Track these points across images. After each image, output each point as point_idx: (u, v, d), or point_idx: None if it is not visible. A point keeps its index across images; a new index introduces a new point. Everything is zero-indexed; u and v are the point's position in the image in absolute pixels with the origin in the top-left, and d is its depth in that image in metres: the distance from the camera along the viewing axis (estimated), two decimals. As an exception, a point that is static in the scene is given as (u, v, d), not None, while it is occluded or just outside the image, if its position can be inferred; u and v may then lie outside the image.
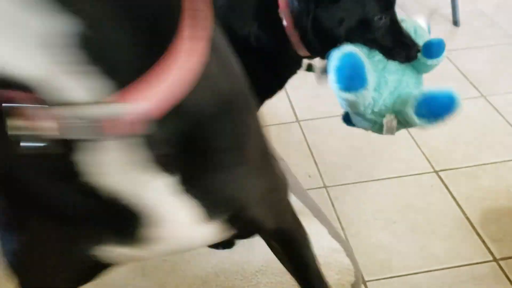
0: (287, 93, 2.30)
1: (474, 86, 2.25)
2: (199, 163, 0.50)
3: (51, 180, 0.48)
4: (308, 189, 1.77)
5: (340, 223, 1.66)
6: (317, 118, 2.14)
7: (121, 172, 0.46)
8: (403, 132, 1.10)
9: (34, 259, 0.56)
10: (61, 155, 0.43)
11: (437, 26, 2.73)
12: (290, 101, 2.25)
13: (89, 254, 0.54)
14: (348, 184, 1.81)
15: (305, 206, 1.46)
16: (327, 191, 1.78)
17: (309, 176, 1.84)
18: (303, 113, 2.17)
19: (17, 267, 0.57)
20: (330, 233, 1.35)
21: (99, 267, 0.58)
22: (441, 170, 1.83)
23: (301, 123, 2.12)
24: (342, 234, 1.61)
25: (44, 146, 0.41)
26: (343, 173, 1.85)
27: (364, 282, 1.47)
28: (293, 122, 2.12)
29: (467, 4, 2.88)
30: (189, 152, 0.49)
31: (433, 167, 1.84)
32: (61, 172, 0.47)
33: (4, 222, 0.54)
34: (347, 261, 1.26)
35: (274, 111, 2.18)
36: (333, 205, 1.72)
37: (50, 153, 0.41)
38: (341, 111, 2.10)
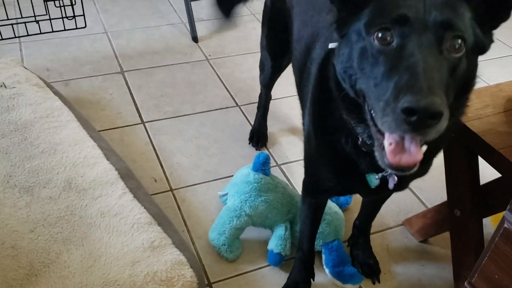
0: (131, 93, 2.23)
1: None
2: None
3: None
4: (154, 194, 1.75)
5: (186, 226, 1.66)
6: (164, 119, 2.11)
7: None
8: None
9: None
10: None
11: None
12: (134, 102, 2.19)
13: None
14: (195, 184, 1.81)
15: (149, 214, 1.43)
16: (174, 194, 1.76)
17: (155, 180, 1.81)
18: (148, 114, 2.12)
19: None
20: (174, 243, 1.34)
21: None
22: (282, 168, 1.92)
23: (147, 124, 2.07)
24: (188, 238, 1.62)
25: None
26: (190, 173, 1.86)
27: (210, 284, 1.49)
28: (137, 124, 2.07)
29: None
30: None
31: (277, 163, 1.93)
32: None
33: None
34: (190, 273, 1.27)
35: (117, 114, 2.11)
36: (179, 208, 1.71)
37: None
38: (188, 110, 2.14)
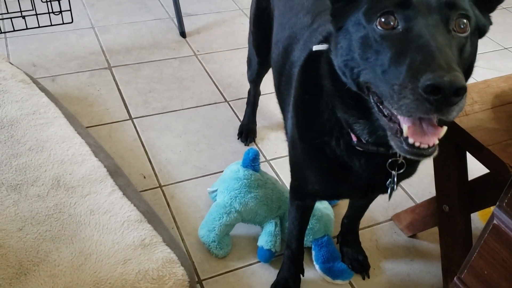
0: (118, 89, 2.22)
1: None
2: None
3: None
4: (142, 191, 1.74)
5: (175, 222, 1.65)
6: (152, 115, 2.10)
7: None
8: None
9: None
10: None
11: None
12: (122, 98, 2.17)
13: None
14: (184, 181, 1.81)
15: (139, 212, 1.43)
16: (163, 191, 1.76)
17: (144, 177, 1.80)
18: (137, 110, 2.11)
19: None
20: (165, 241, 1.34)
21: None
22: (271, 164, 1.92)
23: (135, 120, 2.06)
24: (178, 235, 1.61)
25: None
26: (179, 170, 1.85)
27: (200, 282, 1.49)
28: (126, 120, 2.05)
29: None
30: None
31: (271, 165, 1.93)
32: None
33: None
34: (181, 271, 1.27)
35: (105, 110, 2.09)
36: (168, 205, 1.71)
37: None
38: (176, 106, 2.13)
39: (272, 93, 2.23)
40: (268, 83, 2.01)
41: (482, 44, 2.93)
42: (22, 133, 1.62)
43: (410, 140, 0.81)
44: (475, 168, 1.40)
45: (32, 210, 1.40)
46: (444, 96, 0.71)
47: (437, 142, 0.82)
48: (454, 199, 1.42)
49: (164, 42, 2.58)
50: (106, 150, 1.80)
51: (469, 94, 1.41)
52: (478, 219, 1.70)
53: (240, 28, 2.76)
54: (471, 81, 2.63)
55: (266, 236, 1.55)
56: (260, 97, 2.04)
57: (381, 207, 1.79)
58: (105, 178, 1.53)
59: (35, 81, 1.90)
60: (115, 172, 1.59)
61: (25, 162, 1.53)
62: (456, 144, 1.35)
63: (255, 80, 1.92)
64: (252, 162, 1.60)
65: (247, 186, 1.57)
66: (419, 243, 1.68)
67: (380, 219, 1.75)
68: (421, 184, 1.89)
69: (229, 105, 2.20)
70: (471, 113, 1.33)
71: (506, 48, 2.81)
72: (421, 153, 0.81)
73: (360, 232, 1.66)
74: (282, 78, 1.30)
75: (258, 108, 2.05)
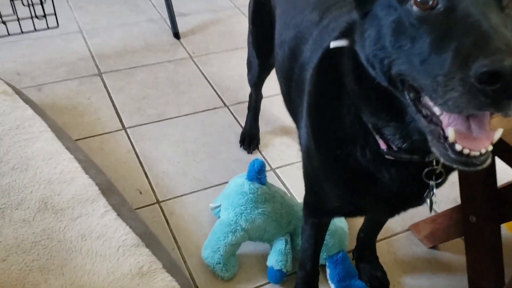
0: (110, 97, 2.08)
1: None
2: None
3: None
4: (139, 208, 1.61)
5: (176, 242, 1.52)
6: (147, 123, 1.96)
7: None
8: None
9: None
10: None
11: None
12: (114, 106, 2.03)
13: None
14: (184, 195, 1.67)
15: (135, 234, 1.29)
16: (161, 207, 1.62)
17: (140, 192, 1.66)
18: (130, 119, 1.97)
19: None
20: (165, 267, 1.20)
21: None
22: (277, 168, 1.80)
23: (129, 130, 1.92)
24: (179, 257, 1.48)
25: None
26: (178, 183, 1.71)
27: (205, 309, 1.36)
28: (118, 130, 1.91)
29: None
30: None
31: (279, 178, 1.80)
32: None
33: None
34: (183, 303, 1.14)
35: (96, 120, 1.95)
36: (168, 223, 1.57)
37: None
38: (172, 112, 2.00)
39: (274, 96, 2.11)
40: (269, 84, 1.88)
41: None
42: (4, 151, 1.48)
43: (458, 147, 0.67)
44: (505, 174, 1.27)
45: (17, 237, 1.26)
46: (505, 85, 0.57)
47: (490, 148, 0.68)
48: (482, 209, 1.29)
49: (158, 45, 2.44)
50: (98, 164, 1.66)
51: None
52: (504, 229, 1.57)
53: (238, 27, 2.62)
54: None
55: (276, 255, 1.42)
56: (262, 100, 1.91)
57: (397, 216, 1.66)
58: (97, 198, 1.39)
59: (18, 92, 1.75)
60: (108, 190, 1.45)
61: (8, 183, 1.39)
62: (484, 149, 1.21)
63: (256, 84, 1.79)
64: (258, 174, 1.47)
65: (254, 201, 1.43)
66: (441, 255, 1.55)
67: (397, 229, 1.62)
68: (440, 188, 1.75)
69: (229, 109, 2.07)
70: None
71: None
72: (471, 162, 0.67)
73: (376, 244, 1.53)
74: (292, 84, 1.16)
75: (260, 112, 1.92)
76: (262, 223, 1.43)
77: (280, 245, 1.43)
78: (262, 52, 1.62)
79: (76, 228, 1.29)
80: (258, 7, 1.53)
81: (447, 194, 1.74)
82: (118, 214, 1.36)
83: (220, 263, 1.41)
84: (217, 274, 1.42)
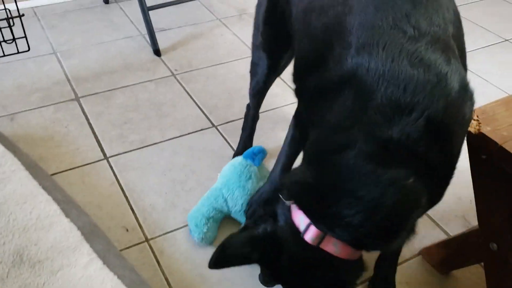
0: (89, 123, 1.93)
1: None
2: None
3: None
4: (126, 248, 1.47)
5: (169, 285, 1.38)
6: (130, 151, 1.82)
7: None
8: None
9: None
10: None
11: (247, 27, 2.59)
12: (94, 133, 1.89)
13: None
14: (174, 230, 1.54)
15: (124, 286, 1.16)
16: (150, 245, 1.49)
17: (127, 230, 1.53)
18: (111, 147, 1.83)
19: None
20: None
21: None
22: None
23: (111, 160, 1.78)
24: (173, 303, 1.35)
25: None
26: (167, 217, 1.58)
27: None
28: (100, 160, 1.77)
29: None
30: None
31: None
32: None
33: None
34: None
35: (75, 150, 1.80)
36: (158, 263, 1.44)
37: None
38: (156, 137, 1.86)
39: (267, 111, 1.98)
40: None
41: (482, 37, 2.69)
42: (-28, 197, 1.34)
43: None
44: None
45: (-10, 298, 1.13)
46: None
47: None
48: (505, 235, 1.18)
49: (137, 63, 2.30)
50: (80, 202, 1.54)
51: (512, 109, 1.18)
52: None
53: (220, 40, 2.49)
54: (474, 77, 2.39)
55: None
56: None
57: (405, 240, 1.55)
58: (80, 244, 1.26)
59: (-14, 127, 1.61)
60: (92, 234, 1.32)
61: (-22, 235, 1.25)
62: (504, 171, 1.10)
63: (260, 92, 1.65)
64: (254, 154, 1.56)
65: (239, 174, 1.51)
66: (457, 282, 1.44)
67: (406, 254, 1.51)
68: (445, 206, 1.65)
69: (218, 130, 1.94)
70: (521, 134, 1.09)
71: (507, 40, 2.59)
72: None
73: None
74: None
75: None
76: (239, 197, 1.48)
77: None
78: (274, 51, 1.53)
79: (58, 283, 1.16)
80: (274, 2, 1.43)
81: (454, 212, 1.64)
82: (104, 263, 1.22)
83: (202, 220, 1.47)
84: (194, 234, 1.47)
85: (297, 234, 1.00)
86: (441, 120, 0.92)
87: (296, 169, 1.10)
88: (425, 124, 0.90)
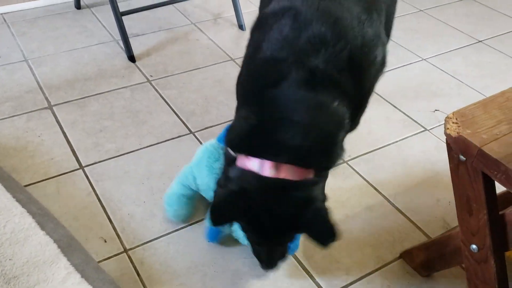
0: (63, 132, 1.89)
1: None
2: None
3: None
4: (104, 260, 1.44)
5: (150, 297, 1.36)
6: (106, 159, 1.79)
7: None
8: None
9: None
10: None
11: (223, 31, 2.59)
12: (69, 142, 1.85)
13: None
14: (154, 240, 1.51)
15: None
16: (129, 256, 1.45)
17: (105, 241, 1.49)
18: (87, 156, 1.79)
19: None
20: None
21: None
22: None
23: (86, 169, 1.74)
24: (155, 317, 1.32)
25: None
26: (146, 226, 1.55)
27: None
28: (75, 169, 1.73)
29: (249, 7, 2.82)
30: None
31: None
32: None
33: None
34: None
35: (49, 160, 1.76)
36: (138, 274, 1.41)
37: None
38: (133, 145, 1.83)
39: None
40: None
41: (456, 38, 2.73)
42: None
43: None
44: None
45: (-37, 317, 1.08)
46: None
47: None
48: (485, 237, 1.19)
49: (111, 70, 2.26)
50: (56, 213, 1.50)
51: (490, 112, 1.19)
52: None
53: (196, 45, 2.47)
54: (452, 80, 2.41)
55: None
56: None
57: (386, 242, 1.55)
58: (57, 258, 1.22)
59: (-43, 139, 1.56)
60: (69, 247, 1.29)
61: (-51, 251, 1.20)
62: (484, 175, 1.11)
63: None
64: None
65: (207, 156, 1.48)
66: (438, 284, 1.45)
67: (388, 257, 1.51)
68: (425, 208, 1.66)
69: (195, 136, 1.92)
70: (500, 136, 1.10)
71: (480, 41, 2.64)
72: None
73: (368, 278, 1.43)
74: None
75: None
76: (206, 176, 1.45)
77: None
78: None
79: (34, 299, 1.12)
80: None
81: (433, 214, 1.65)
82: (82, 276, 1.20)
83: (171, 202, 1.52)
84: (168, 213, 1.53)
85: (255, 175, 1.08)
86: (358, 55, 1.11)
87: (234, 121, 1.19)
88: (348, 56, 1.09)
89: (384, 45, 1.23)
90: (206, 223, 1.51)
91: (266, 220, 1.12)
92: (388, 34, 1.40)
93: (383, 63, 1.25)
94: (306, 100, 1.07)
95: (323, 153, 1.11)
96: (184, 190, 1.51)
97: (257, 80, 1.14)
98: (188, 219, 1.56)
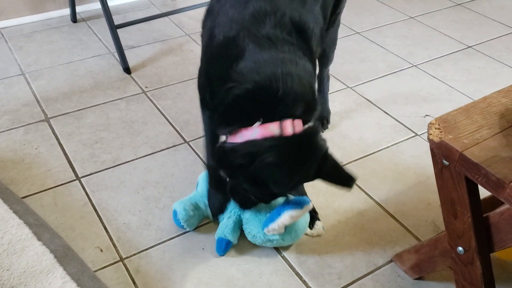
0: (60, 144, 1.92)
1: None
2: None
3: None
4: (101, 269, 1.47)
5: (146, 304, 1.39)
6: (102, 170, 1.82)
7: None
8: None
9: None
10: None
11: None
12: (65, 154, 1.88)
13: None
14: (149, 248, 1.54)
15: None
16: (125, 265, 1.48)
17: (101, 250, 1.52)
18: (83, 167, 1.82)
19: None
20: None
21: None
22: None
23: (83, 180, 1.77)
24: (151, 323, 1.35)
25: None
26: (141, 235, 1.58)
27: None
28: (72, 180, 1.77)
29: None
30: None
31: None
32: None
33: None
34: None
35: (46, 171, 1.79)
36: (134, 283, 1.43)
37: None
38: (129, 155, 1.87)
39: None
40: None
41: (446, 44, 2.75)
42: None
43: None
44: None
45: (-38, 327, 1.11)
46: None
47: None
48: (470, 240, 1.22)
49: (107, 82, 2.30)
50: (52, 224, 1.53)
51: (472, 117, 1.22)
52: (496, 257, 1.51)
53: (190, 56, 2.51)
54: (441, 85, 2.45)
55: (224, 226, 1.54)
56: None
57: (378, 247, 1.58)
58: (53, 268, 1.25)
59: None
60: (65, 256, 1.31)
61: None
62: (467, 178, 1.15)
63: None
64: None
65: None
66: (429, 287, 1.48)
67: (379, 261, 1.54)
68: (416, 212, 1.69)
69: (190, 146, 1.95)
70: (481, 141, 1.13)
71: (470, 46, 2.68)
72: None
73: (360, 282, 1.46)
74: None
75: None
76: None
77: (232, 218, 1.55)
78: None
79: (31, 308, 1.15)
80: None
81: (424, 217, 1.68)
82: (78, 285, 1.22)
83: (188, 208, 1.56)
84: (179, 216, 1.56)
85: (278, 138, 1.18)
86: (298, 20, 1.24)
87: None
88: (289, 21, 1.21)
89: (317, 23, 1.33)
90: (216, 238, 1.53)
91: (298, 173, 1.23)
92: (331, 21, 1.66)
93: (321, 39, 1.38)
94: (278, 59, 1.16)
95: (310, 101, 1.22)
96: (198, 206, 1.60)
97: (221, 62, 1.21)
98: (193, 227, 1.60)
